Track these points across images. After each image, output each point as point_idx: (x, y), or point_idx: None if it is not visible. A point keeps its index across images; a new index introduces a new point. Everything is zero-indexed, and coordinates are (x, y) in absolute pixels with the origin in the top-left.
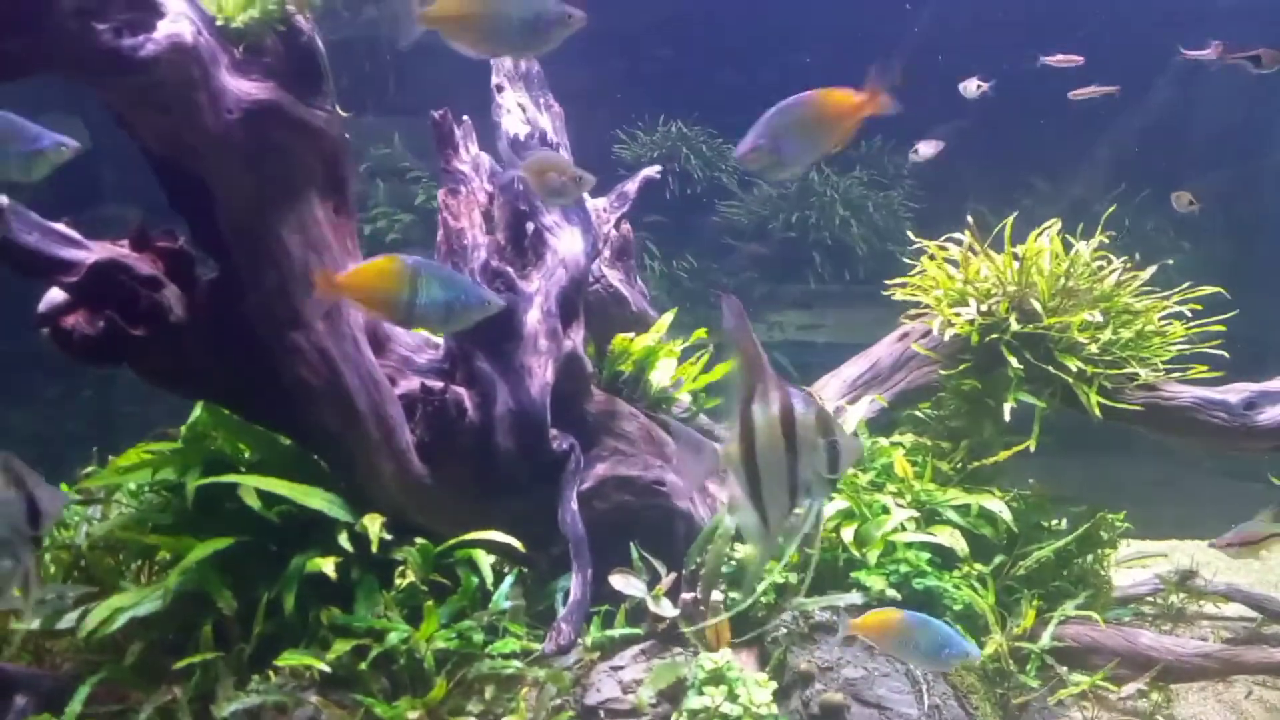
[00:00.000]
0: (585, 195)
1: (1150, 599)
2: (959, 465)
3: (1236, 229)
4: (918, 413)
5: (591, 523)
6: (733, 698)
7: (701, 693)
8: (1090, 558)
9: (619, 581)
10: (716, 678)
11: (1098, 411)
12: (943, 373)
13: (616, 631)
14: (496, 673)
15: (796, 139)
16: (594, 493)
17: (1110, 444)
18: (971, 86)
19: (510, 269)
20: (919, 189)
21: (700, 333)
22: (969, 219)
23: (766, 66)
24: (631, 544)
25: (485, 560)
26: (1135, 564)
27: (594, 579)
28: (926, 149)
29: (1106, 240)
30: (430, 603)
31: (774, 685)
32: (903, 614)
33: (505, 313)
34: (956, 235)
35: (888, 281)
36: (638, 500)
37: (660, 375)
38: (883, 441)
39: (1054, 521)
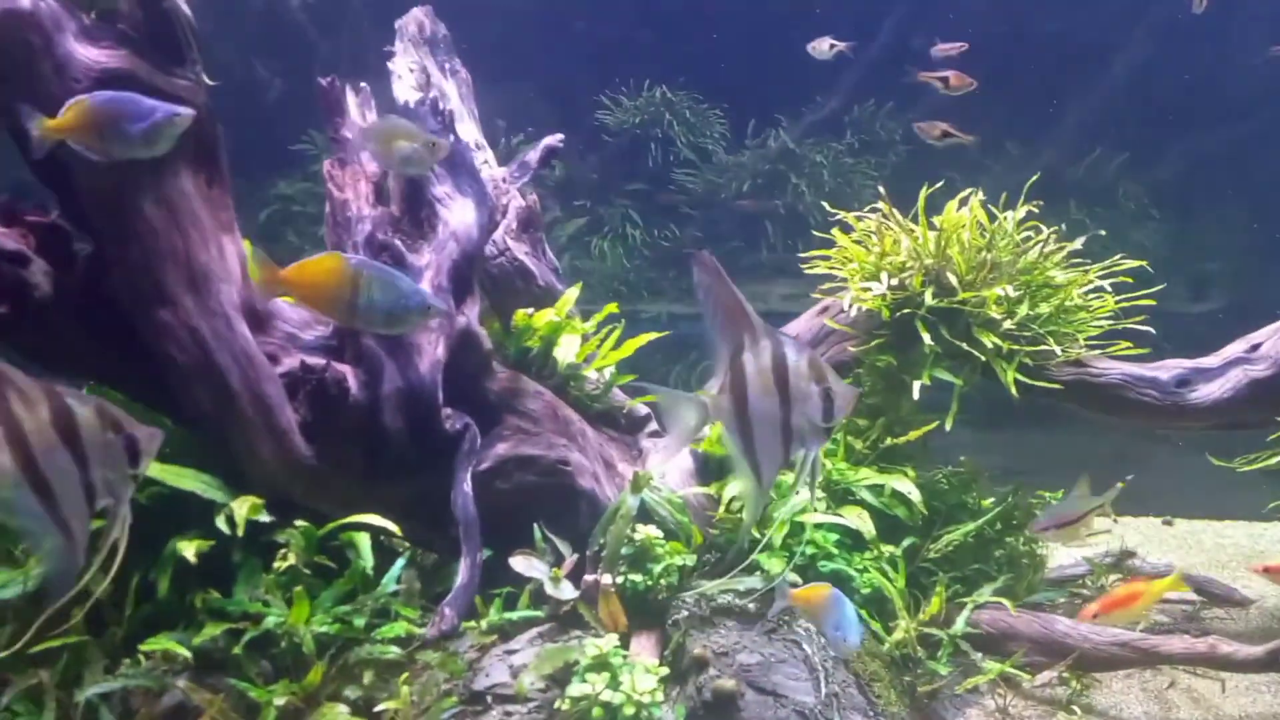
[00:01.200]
0: (490, 164)
1: (1087, 580)
2: (873, 443)
3: (1215, 197)
4: None
5: (493, 503)
6: (615, 684)
7: (584, 679)
8: (1022, 538)
9: (520, 563)
10: (600, 664)
11: (1014, 390)
12: (853, 349)
13: (516, 614)
14: (376, 658)
15: None
16: (495, 472)
17: (1075, 417)
18: (824, 46)
19: (399, 241)
20: (912, 152)
21: (611, 307)
22: (880, 190)
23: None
24: (535, 525)
25: (366, 543)
26: (1078, 543)
27: (497, 560)
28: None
29: (1036, 210)
30: (300, 587)
31: (665, 671)
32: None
33: None
34: (878, 205)
35: (801, 255)
36: (541, 480)
37: (565, 352)
38: None
39: (987, 500)
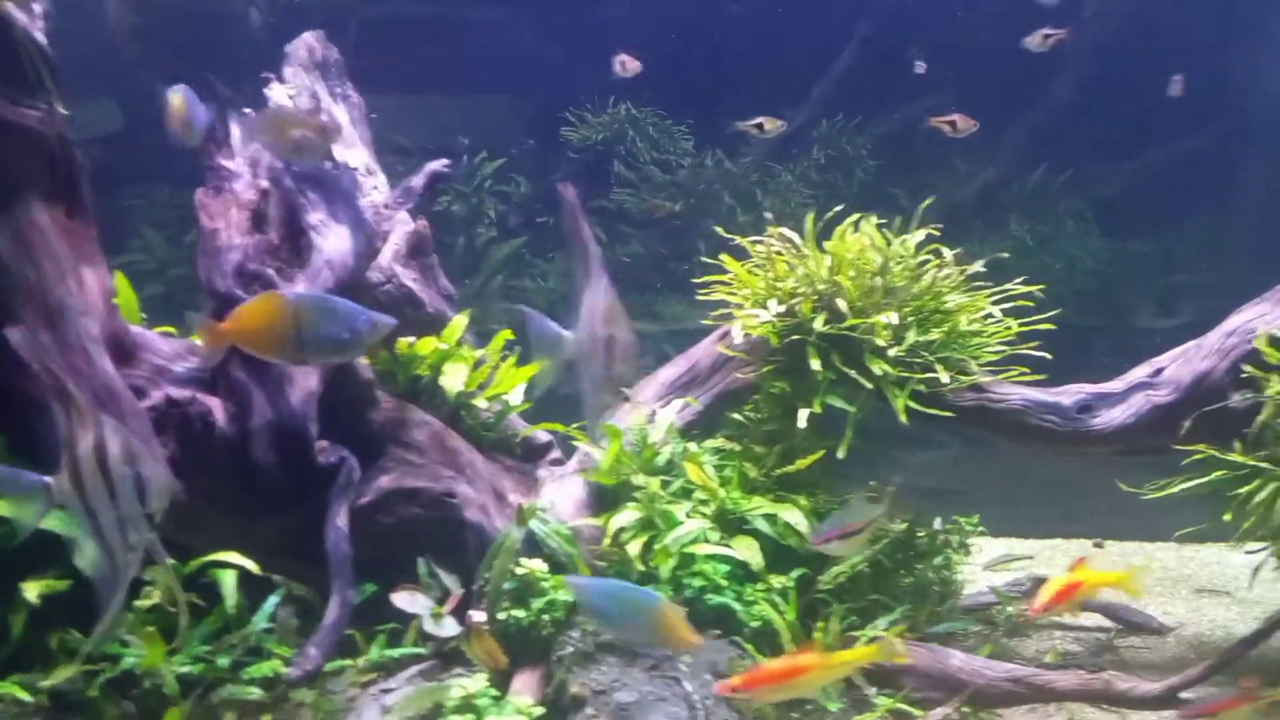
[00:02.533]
0: (380, 189)
1: (994, 610)
2: (768, 471)
3: (1153, 216)
4: (737, 416)
5: (377, 537)
6: None
7: None
8: (937, 562)
9: (402, 599)
10: (465, 706)
11: (904, 417)
12: (740, 375)
13: (398, 651)
14: (238, 698)
15: None
16: (378, 506)
17: None
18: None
19: (271, 270)
20: (884, 168)
21: (506, 333)
22: (767, 215)
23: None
24: (420, 559)
25: (232, 580)
26: (1001, 567)
27: (383, 595)
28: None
29: (937, 233)
30: (153, 628)
31: (539, 711)
32: None
33: None
34: (789, 231)
35: (696, 280)
36: (426, 513)
37: (452, 380)
38: (692, 447)
39: (902, 526)
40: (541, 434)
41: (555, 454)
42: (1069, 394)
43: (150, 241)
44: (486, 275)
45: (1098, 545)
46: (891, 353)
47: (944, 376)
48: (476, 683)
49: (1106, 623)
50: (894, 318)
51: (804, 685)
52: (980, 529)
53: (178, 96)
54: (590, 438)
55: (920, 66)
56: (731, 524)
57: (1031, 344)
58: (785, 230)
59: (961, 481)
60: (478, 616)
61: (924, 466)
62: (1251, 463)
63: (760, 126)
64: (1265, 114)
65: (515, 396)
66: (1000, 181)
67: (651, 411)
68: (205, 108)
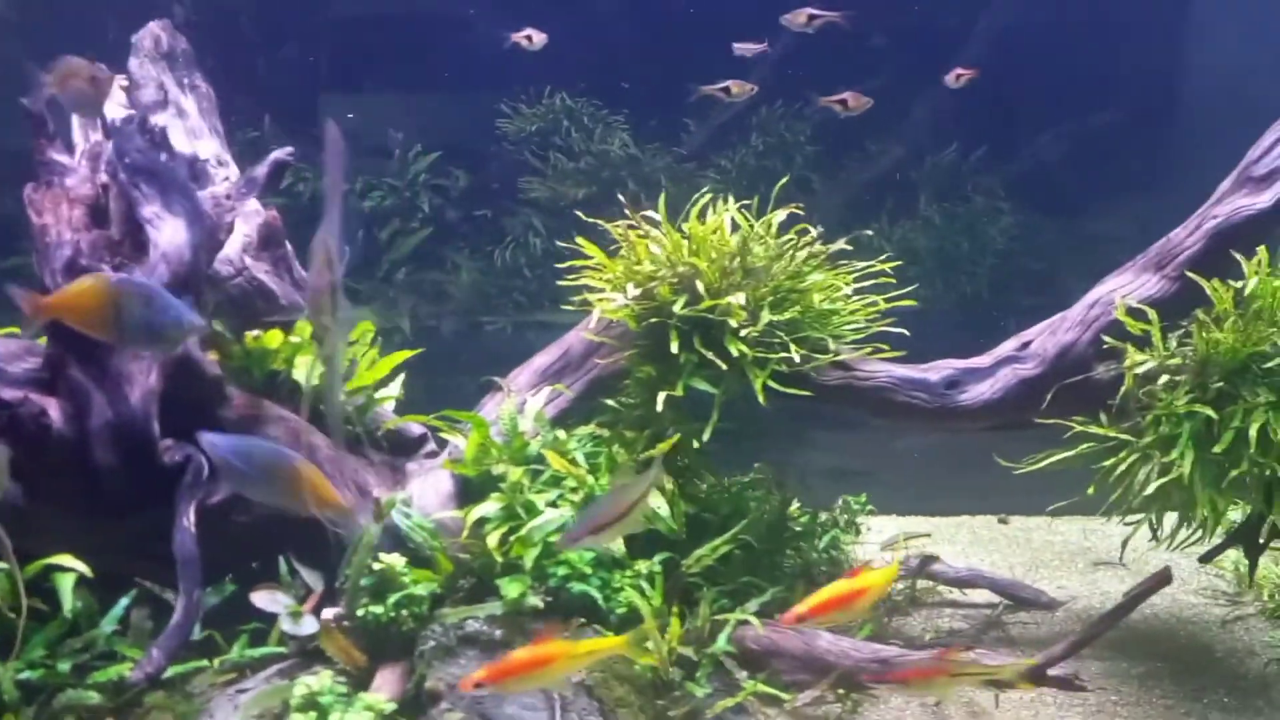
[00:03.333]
0: (231, 180)
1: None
2: (637, 456)
3: (1062, 196)
4: (611, 402)
5: (235, 536)
6: None
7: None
8: (824, 542)
9: (262, 598)
10: (309, 703)
11: (762, 397)
12: (612, 361)
13: (258, 651)
14: (79, 703)
15: None
16: (233, 505)
17: None
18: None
19: (106, 266)
20: (822, 155)
21: (367, 325)
22: (620, 196)
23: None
24: (281, 557)
25: (68, 584)
26: (899, 546)
27: (244, 595)
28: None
29: (800, 211)
30: None
31: (391, 707)
32: None
33: None
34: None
35: (559, 265)
36: (285, 511)
37: (304, 374)
38: (561, 435)
39: (793, 509)
40: (415, 426)
41: (430, 447)
42: (937, 370)
43: None
44: (388, 268)
45: (1002, 521)
46: (745, 333)
47: (796, 355)
48: (322, 680)
49: (996, 599)
50: (741, 298)
51: (551, 675)
52: (870, 508)
53: None
54: (330, 401)
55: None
56: None
57: (889, 320)
58: (650, 213)
59: (871, 461)
60: (328, 614)
61: (837, 446)
62: (1113, 434)
63: (727, 90)
64: (1190, 89)
65: (393, 389)
66: (910, 160)
67: (522, 400)
68: None
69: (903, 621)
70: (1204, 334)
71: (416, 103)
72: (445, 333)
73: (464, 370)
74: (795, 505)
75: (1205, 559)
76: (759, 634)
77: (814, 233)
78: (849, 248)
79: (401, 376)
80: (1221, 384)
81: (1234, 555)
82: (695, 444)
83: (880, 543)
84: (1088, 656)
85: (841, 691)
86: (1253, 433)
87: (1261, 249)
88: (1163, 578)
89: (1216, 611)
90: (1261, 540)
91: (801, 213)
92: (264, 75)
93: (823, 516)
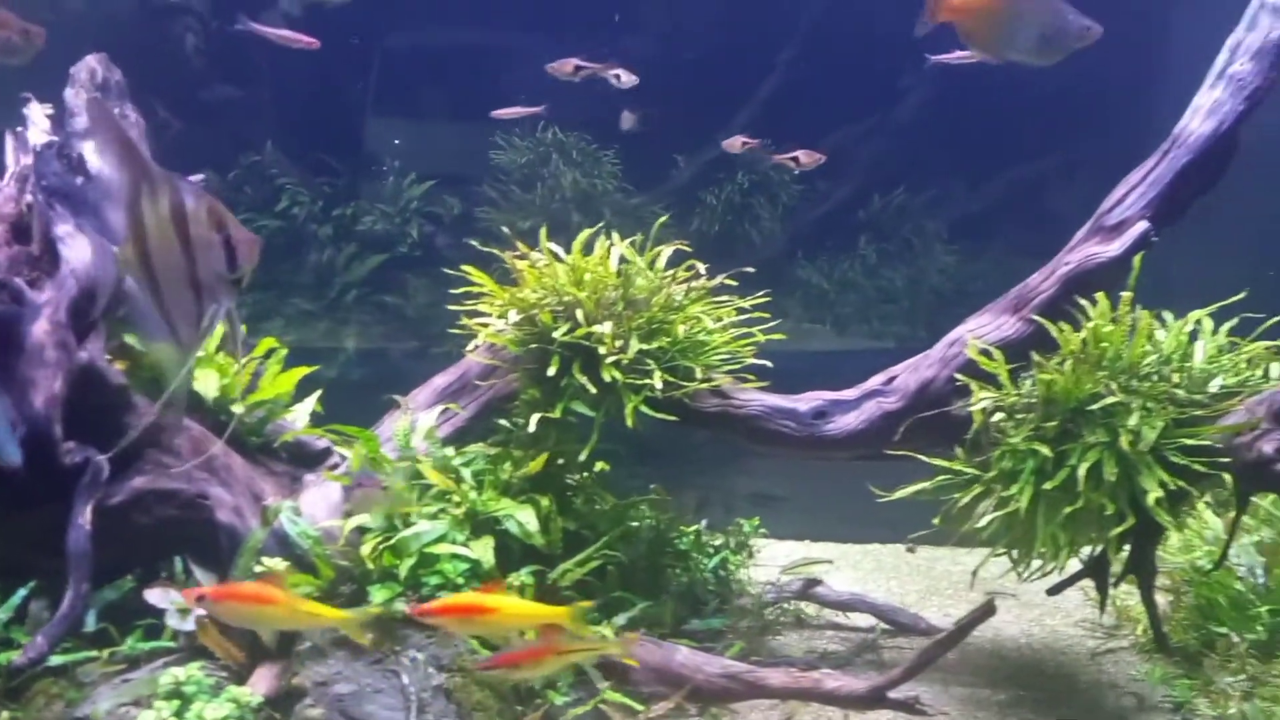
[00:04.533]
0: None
1: (779, 606)
2: (525, 475)
3: (1002, 238)
4: (504, 422)
5: (135, 535)
6: (181, 713)
7: (153, 708)
8: (712, 563)
9: (155, 595)
10: (173, 692)
11: (631, 421)
12: (507, 383)
13: (149, 645)
14: None
15: None
16: (133, 505)
17: None
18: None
19: (20, 280)
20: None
21: (270, 341)
22: (505, 230)
23: None
24: (178, 557)
25: None
26: (801, 570)
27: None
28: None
29: (688, 248)
30: None
31: (257, 699)
32: None
33: (6, 325)
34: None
35: (454, 291)
36: (182, 514)
37: (205, 386)
38: (449, 452)
39: (690, 529)
40: (319, 440)
41: (335, 460)
42: (806, 401)
43: None
44: (340, 290)
45: (910, 550)
46: (609, 359)
47: (659, 382)
48: (189, 671)
49: (879, 622)
50: (609, 327)
51: (494, 626)
52: (761, 530)
53: None
54: (182, 345)
55: (772, 156)
56: (484, 525)
57: (749, 350)
58: (553, 245)
59: (794, 487)
60: (200, 611)
61: (766, 471)
62: (958, 468)
63: (796, 160)
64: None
65: (308, 405)
66: (856, 200)
67: (415, 418)
68: None
69: (781, 641)
70: (1043, 375)
71: (417, 130)
72: (394, 354)
73: (405, 390)
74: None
75: (1053, 591)
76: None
77: (701, 268)
78: (733, 283)
79: (319, 393)
80: (1062, 423)
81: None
82: (577, 462)
83: (782, 567)
84: (953, 682)
85: (702, 706)
86: (1081, 472)
87: (1101, 295)
88: (987, 609)
89: (1091, 644)
90: (1114, 577)
91: (689, 249)
92: (268, 102)
93: (719, 540)
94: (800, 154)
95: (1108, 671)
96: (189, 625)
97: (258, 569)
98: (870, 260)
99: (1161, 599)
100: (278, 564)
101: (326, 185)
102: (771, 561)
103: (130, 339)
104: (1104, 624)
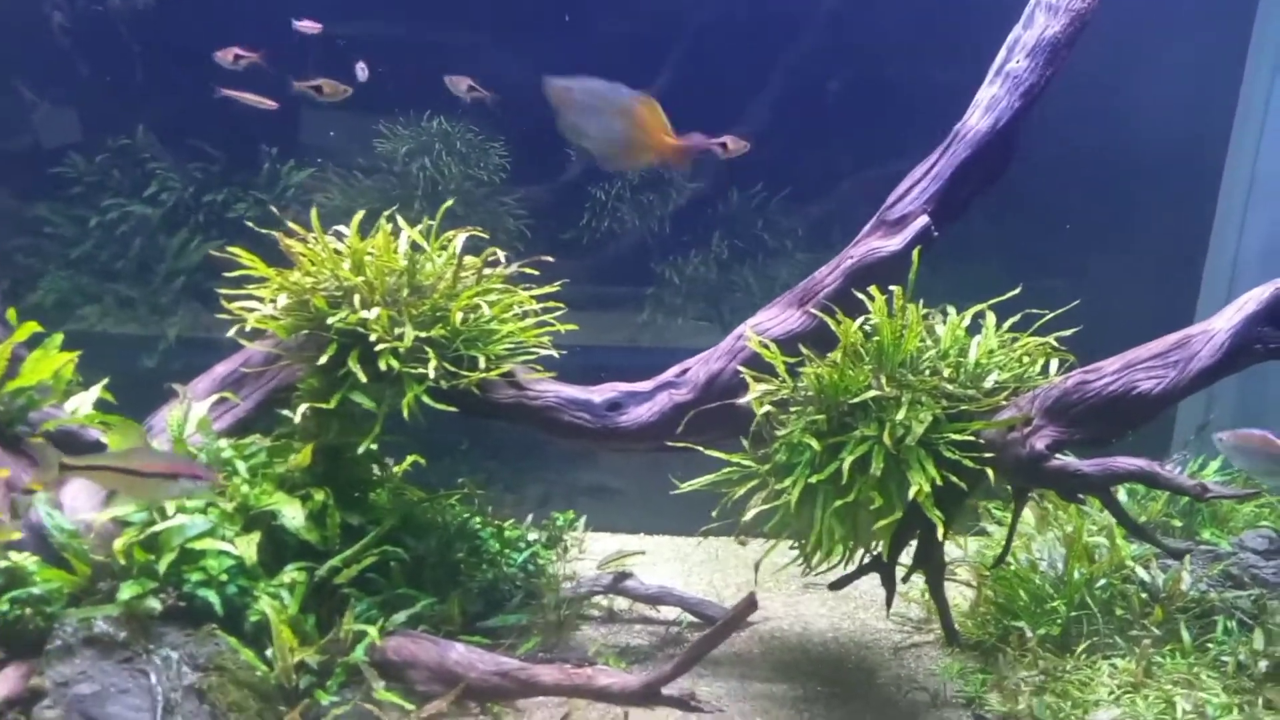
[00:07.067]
0: None
1: (588, 600)
2: (306, 468)
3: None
4: (286, 412)
5: None
6: None
7: None
8: (521, 558)
9: None
10: None
11: (406, 412)
12: (278, 371)
13: None
14: None
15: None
16: None
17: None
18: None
19: None
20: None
21: (32, 325)
22: (273, 209)
23: None
24: None
25: None
26: (616, 564)
27: None
28: None
29: (485, 235)
30: None
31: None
32: None
33: None
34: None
35: (228, 275)
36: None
37: None
38: (223, 443)
39: (512, 526)
40: (92, 430)
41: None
42: (601, 392)
43: None
44: (165, 276)
45: (741, 543)
46: (383, 347)
47: (432, 371)
48: None
49: (688, 615)
50: (376, 312)
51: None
52: (577, 525)
53: None
54: None
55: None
56: (259, 519)
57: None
58: (341, 228)
59: (632, 480)
60: None
61: (606, 465)
62: (736, 460)
63: (724, 146)
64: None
65: (92, 394)
66: (714, 197)
67: (188, 407)
68: None
69: (585, 635)
70: (810, 369)
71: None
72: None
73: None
74: (498, 521)
75: (835, 586)
76: (400, 644)
77: (500, 255)
78: (535, 272)
79: (104, 381)
80: (838, 417)
81: (921, 584)
82: (360, 451)
83: (598, 561)
84: (752, 677)
85: (482, 705)
86: (846, 466)
87: (875, 289)
88: (750, 603)
89: (897, 638)
90: (904, 574)
91: (485, 237)
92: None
93: (534, 535)
94: (728, 139)
95: (908, 666)
96: None
97: (3, 564)
98: (721, 256)
99: (967, 593)
100: (23, 558)
101: (199, 171)
102: (601, 555)
103: None
104: (913, 619)
